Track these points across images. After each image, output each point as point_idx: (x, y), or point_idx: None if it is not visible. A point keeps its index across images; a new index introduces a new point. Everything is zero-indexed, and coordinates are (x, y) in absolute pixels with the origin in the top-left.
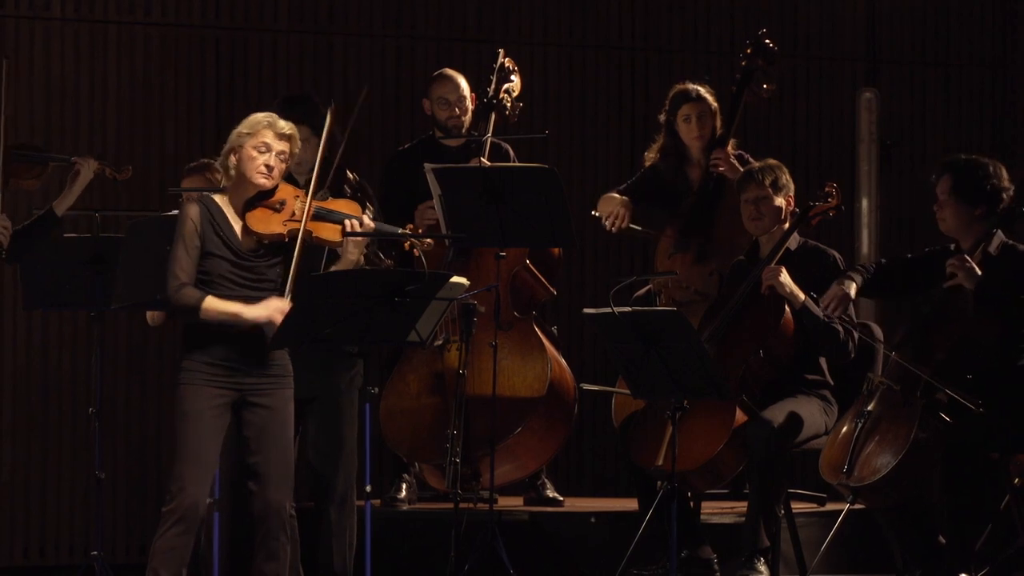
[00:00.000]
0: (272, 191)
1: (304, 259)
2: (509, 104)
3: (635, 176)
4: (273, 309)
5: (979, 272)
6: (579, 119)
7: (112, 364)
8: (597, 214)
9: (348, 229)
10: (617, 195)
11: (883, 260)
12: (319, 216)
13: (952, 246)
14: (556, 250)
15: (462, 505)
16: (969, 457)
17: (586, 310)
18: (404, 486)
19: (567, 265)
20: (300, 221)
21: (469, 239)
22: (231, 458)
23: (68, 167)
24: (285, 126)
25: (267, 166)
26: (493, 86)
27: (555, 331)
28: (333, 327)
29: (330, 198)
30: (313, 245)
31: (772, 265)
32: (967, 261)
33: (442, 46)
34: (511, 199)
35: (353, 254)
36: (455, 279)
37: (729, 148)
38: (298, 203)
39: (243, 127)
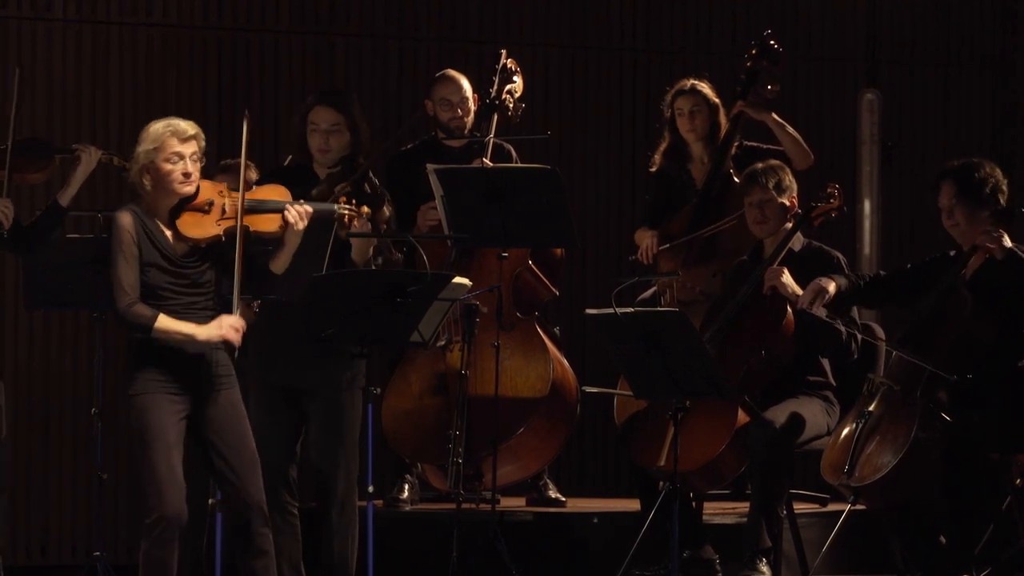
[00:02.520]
0: (195, 194)
1: (247, 252)
2: (511, 105)
3: (648, 194)
4: (226, 327)
5: (1008, 240)
6: (581, 120)
7: (114, 364)
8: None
9: (290, 218)
10: (647, 229)
11: (881, 272)
12: (252, 208)
13: (952, 252)
14: (558, 250)
15: (464, 505)
16: (969, 457)
17: (588, 310)
18: (406, 486)
19: (569, 265)
20: (234, 219)
21: (471, 239)
22: None
23: (73, 160)
24: (187, 127)
25: (185, 174)
26: (495, 87)
27: (557, 331)
28: (336, 327)
29: (255, 187)
30: (253, 239)
31: (775, 266)
32: (997, 230)
33: (444, 47)
34: (513, 199)
35: (294, 240)
36: (457, 280)
37: (733, 147)
38: (227, 200)
39: (146, 143)
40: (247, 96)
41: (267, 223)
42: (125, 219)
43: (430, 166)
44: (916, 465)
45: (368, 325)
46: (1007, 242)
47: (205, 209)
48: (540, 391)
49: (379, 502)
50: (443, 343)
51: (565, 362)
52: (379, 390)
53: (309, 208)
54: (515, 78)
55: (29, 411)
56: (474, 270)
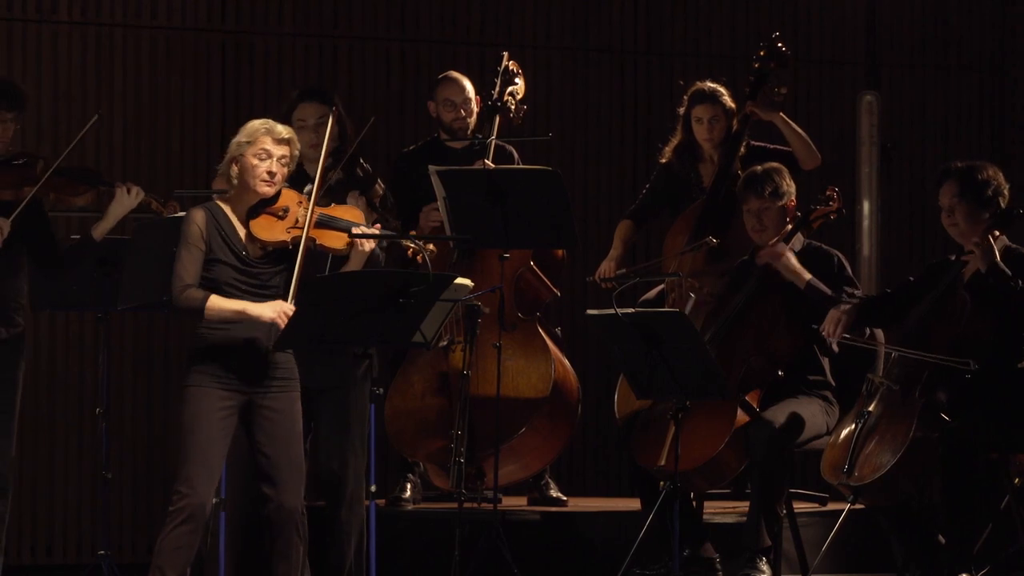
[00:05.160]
0: (275, 198)
1: (307, 265)
2: (513, 107)
3: (647, 185)
4: (278, 310)
5: (996, 252)
6: (582, 121)
7: (119, 365)
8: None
9: (358, 240)
10: (626, 226)
11: (887, 290)
12: (323, 223)
13: (953, 257)
14: (559, 251)
15: (466, 505)
16: (968, 457)
17: (589, 311)
18: (409, 486)
19: (570, 266)
20: (303, 228)
21: (473, 241)
22: (241, 458)
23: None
24: (283, 130)
25: (269, 173)
26: (497, 89)
27: (558, 332)
28: (338, 329)
29: (333, 204)
30: (317, 252)
31: (779, 243)
32: (987, 241)
33: (445, 49)
34: (515, 201)
35: (359, 259)
36: (459, 280)
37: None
38: (301, 210)
39: (241, 135)
40: (250, 98)
41: (334, 240)
42: (197, 215)
43: (432, 167)
44: (915, 464)
45: (371, 326)
46: (996, 253)
47: (279, 215)
48: (542, 391)
49: (381, 501)
50: (445, 343)
51: (566, 362)
52: (382, 390)
53: (375, 233)
54: (517, 80)
55: (34, 411)
56: (476, 271)
